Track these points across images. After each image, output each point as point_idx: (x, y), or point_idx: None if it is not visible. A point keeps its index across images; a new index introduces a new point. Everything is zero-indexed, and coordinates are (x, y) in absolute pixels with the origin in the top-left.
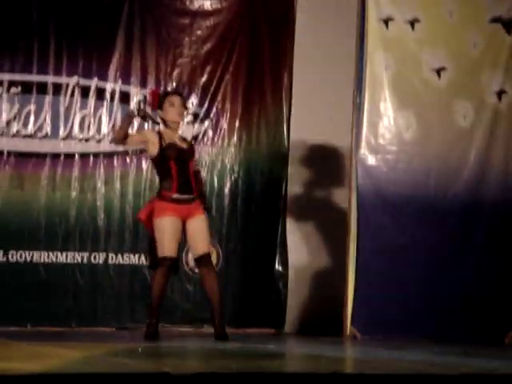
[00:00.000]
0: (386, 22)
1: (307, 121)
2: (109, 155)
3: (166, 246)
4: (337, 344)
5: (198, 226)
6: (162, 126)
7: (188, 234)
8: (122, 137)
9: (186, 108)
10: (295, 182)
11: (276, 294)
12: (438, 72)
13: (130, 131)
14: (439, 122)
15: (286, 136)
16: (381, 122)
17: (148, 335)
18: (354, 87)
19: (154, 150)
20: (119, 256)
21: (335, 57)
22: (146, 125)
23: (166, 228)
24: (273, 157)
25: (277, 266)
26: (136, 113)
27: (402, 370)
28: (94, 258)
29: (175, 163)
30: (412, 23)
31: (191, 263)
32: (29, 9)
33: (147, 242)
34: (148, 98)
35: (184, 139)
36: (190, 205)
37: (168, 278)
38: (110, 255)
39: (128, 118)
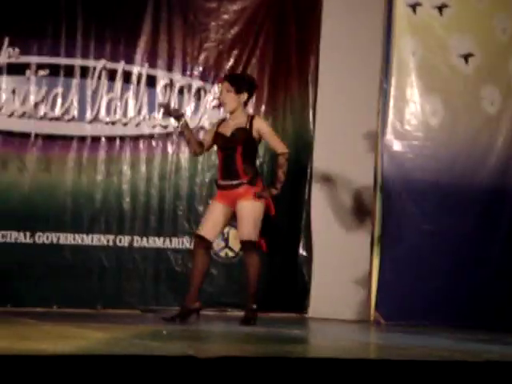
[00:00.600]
0: (414, 7)
1: (333, 106)
2: (135, 138)
3: (200, 225)
4: (361, 329)
5: (240, 212)
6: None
7: (236, 218)
8: (197, 147)
9: (238, 91)
10: (320, 167)
11: (300, 279)
12: (466, 58)
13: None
14: (466, 109)
15: (311, 121)
16: (407, 107)
17: (175, 316)
18: (381, 73)
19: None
20: (144, 239)
21: (362, 42)
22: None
23: (208, 209)
24: (298, 142)
25: (301, 250)
26: (176, 115)
27: (426, 357)
28: (120, 240)
29: (221, 151)
30: (440, 8)
31: (215, 247)
32: None
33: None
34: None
35: (241, 123)
36: (237, 190)
37: (204, 258)
38: (135, 238)
39: (184, 129)
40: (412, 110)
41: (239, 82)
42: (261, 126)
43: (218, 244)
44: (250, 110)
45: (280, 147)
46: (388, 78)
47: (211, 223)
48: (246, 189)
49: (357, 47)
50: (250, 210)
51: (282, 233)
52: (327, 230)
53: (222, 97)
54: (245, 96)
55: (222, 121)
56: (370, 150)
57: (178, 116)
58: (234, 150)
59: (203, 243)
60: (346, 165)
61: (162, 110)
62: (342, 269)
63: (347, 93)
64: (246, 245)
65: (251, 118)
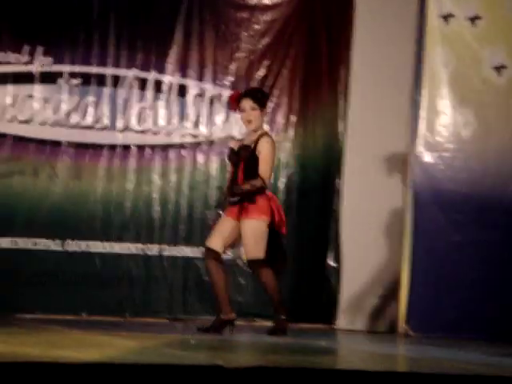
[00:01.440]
0: (446, 18)
1: (363, 117)
2: (165, 147)
3: (210, 236)
4: (389, 341)
5: (242, 232)
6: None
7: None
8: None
9: (261, 107)
10: (350, 178)
11: (328, 289)
12: (498, 70)
13: None
14: (498, 120)
15: (341, 132)
16: (438, 119)
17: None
18: (412, 84)
19: None
20: (173, 248)
21: (393, 53)
22: None
23: (217, 222)
24: (328, 152)
25: (329, 261)
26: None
27: (456, 370)
28: (149, 249)
29: (232, 166)
30: (473, 20)
31: (244, 257)
32: (90, 2)
33: None
34: (229, 99)
35: (251, 141)
36: (240, 206)
37: (216, 270)
38: (164, 247)
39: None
40: (443, 122)
41: (261, 98)
42: (261, 147)
43: None
44: (281, 119)
45: (263, 171)
46: (419, 90)
47: (218, 234)
48: (247, 206)
49: (388, 58)
50: (250, 228)
51: (311, 243)
52: (356, 242)
53: (247, 115)
54: (265, 111)
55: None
56: (400, 161)
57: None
58: (239, 166)
59: (211, 254)
60: (377, 176)
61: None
62: (371, 280)
63: (378, 104)
64: (250, 264)
65: (259, 137)
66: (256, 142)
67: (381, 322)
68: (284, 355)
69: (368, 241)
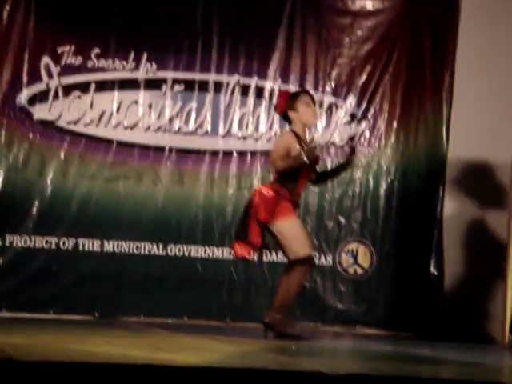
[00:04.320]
0: None
1: (467, 124)
2: (266, 153)
3: (302, 245)
4: (493, 352)
5: (284, 230)
6: (290, 129)
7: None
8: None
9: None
10: (453, 186)
11: (430, 298)
12: None
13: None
14: None
15: (444, 138)
16: None
17: (285, 334)
18: None
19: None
20: (273, 253)
21: (500, 57)
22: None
23: (297, 227)
24: (431, 160)
25: (432, 269)
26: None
27: None
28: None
29: (309, 169)
30: None
31: (344, 264)
32: (194, 9)
33: None
34: (278, 99)
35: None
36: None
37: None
38: (265, 252)
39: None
40: None
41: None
42: None
43: (346, 261)
44: (382, 125)
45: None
46: None
47: (308, 238)
48: (279, 205)
49: (495, 63)
50: (292, 226)
51: (412, 250)
52: (459, 249)
53: (313, 110)
54: None
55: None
56: (506, 171)
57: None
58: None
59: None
60: (481, 183)
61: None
62: (474, 288)
63: (483, 110)
64: (301, 261)
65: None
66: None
67: (484, 332)
68: (387, 363)
69: (471, 249)
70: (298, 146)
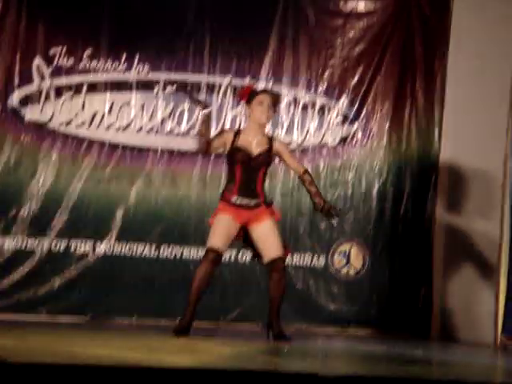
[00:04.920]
0: None
1: (459, 125)
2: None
3: (214, 239)
4: (486, 353)
5: (267, 230)
6: (242, 125)
7: (255, 239)
8: (205, 145)
9: (275, 111)
10: (445, 186)
11: (422, 299)
12: None
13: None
14: None
15: (436, 139)
16: None
17: (176, 329)
18: (511, 96)
19: (227, 149)
20: None
21: (492, 60)
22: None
23: (219, 223)
24: (423, 160)
25: (423, 270)
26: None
27: None
28: (242, 256)
29: (241, 167)
30: None
31: (337, 265)
32: (186, 10)
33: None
34: (241, 90)
35: (263, 143)
36: (252, 210)
37: (211, 275)
38: (256, 253)
39: (203, 122)
40: None
41: (276, 101)
42: (281, 149)
43: (339, 262)
44: (375, 126)
45: (300, 167)
46: None
47: (224, 238)
48: (263, 209)
49: (486, 66)
50: (272, 228)
51: (403, 251)
52: (451, 250)
53: (264, 109)
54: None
55: (238, 133)
56: (499, 170)
57: (203, 105)
58: (257, 170)
59: (213, 254)
60: (473, 184)
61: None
62: (467, 290)
63: (475, 112)
64: (279, 261)
65: (271, 140)
66: (269, 145)
67: (477, 333)
68: (380, 364)
69: (463, 250)
70: (229, 139)
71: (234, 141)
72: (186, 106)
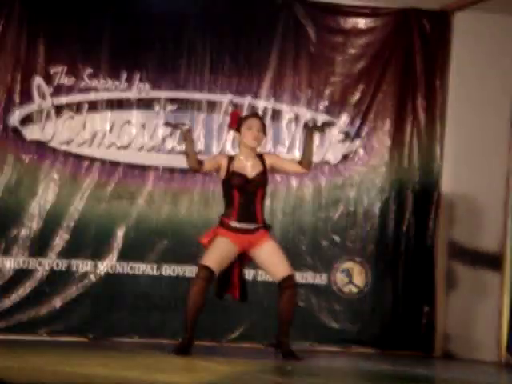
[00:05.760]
0: None
1: (461, 142)
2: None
3: (209, 258)
4: (489, 370)
5: (272, 251)
6: (237, 150)
7: (261, 261)
8: (196, 163)
9: (264, 134)
10: (448, 203)
11: (425, 317)
12: None
13: (203, 158)
14: None
15: (438, 157)
16: None
17: (176, 349)
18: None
19: (222, 175)
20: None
21: (492, 75)
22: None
23: (217, 244)
24: (425, 177)
25: (426, 288)
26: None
27: None
28: (244, 275)
29: (238, 192)
30: None
31: (339, 283)
32: (186, 29)
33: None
34: (229, 119)
35: (258, 165)
36: (252, 235)
37: (204, 292)
38: (259, 272)
39: (186, 139)
40: None
41: (264, 124)
42: (272, 160)
43: (341, 280)
44: (376, 144)
45: (295, 163)
46: None
47: (219, 259)
48: (262, 232)
49: (487, 81)
50: (277, 247)
51: (407, 269)
52: (454, 269)
53: (256, 134)
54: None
55: (231, 158)
56: (500, 188)
57: (180, 124)
58: (255, 193)
59: (206, 273)
60: (475, 201)
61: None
62: (470, 308)
63: (476, 129)
64: (290, 280)
65: (260, 156)
66: (262, 164)
67: (481, 350)
68: (383, 382)
69: (466, 268)
70: (224, 164)
71: (229, 166)
72: (188, 123)
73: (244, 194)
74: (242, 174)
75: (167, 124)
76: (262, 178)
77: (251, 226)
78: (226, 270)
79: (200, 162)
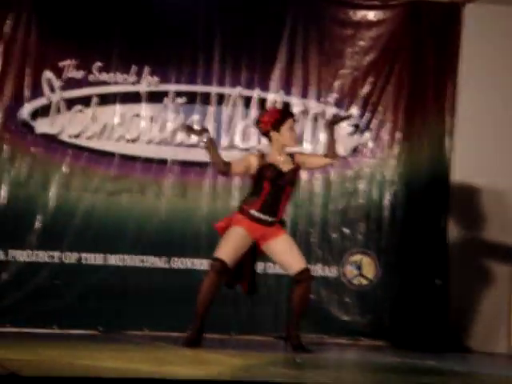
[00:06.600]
0: None
1: (471, 134)
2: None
3: (223, 250)
4: (500, 363)
5: (288, 244)
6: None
7: (276, 253)
8: (222, 167)
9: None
10: (458, 196)
11: (436, 308)
12: None
13: (233, 160)
14: None
15: (448, 149)
16: None
17: (186, 342)
18: None
19: (253, 171)
20: (277, 265)
21: (502, 67)
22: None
23: (232, 235)
24: (434, 170)
25: (436, 280)
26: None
27: None
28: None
29: (270, 184)
30: None
31: (349, 275)
32: (195, 22)
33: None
34: (265, 117)
35: (289, 162)
36: (268, 227)
37: (217, 285)
38: (269, 264)
39: (209, 145)
40: None
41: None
42: (302, 157)
43: (351, 272)
44: (386, 136)
45: (321, 157)
46: None
47: (233, 251)
48: (277, 226)
49: (497, 73)
50: (292, 241)
51: (416, 261)
52: (465, 260)
53: (294, 134)
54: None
55: (263, 155)
56: (508, 180)
57: (202, 131)
58: (283, 188)
59: (219, 265)
60: (485, 194)
61: (184, 130)
62: (480, 300)
63: (487, 121)
64: (306, 273)
65: (292, 156)
66: (294, 163)
67: (491, 343)
68: (393, 374)
69: (477, 261)
70: (254, 163)
71: (261, 160)
72: (196, 116)
73: (274, 187)
74: (276, 167)
75: (188, 129)
76: (294, 175)
77: (271, 219)
78: (239, 261)
79: (227, 164)
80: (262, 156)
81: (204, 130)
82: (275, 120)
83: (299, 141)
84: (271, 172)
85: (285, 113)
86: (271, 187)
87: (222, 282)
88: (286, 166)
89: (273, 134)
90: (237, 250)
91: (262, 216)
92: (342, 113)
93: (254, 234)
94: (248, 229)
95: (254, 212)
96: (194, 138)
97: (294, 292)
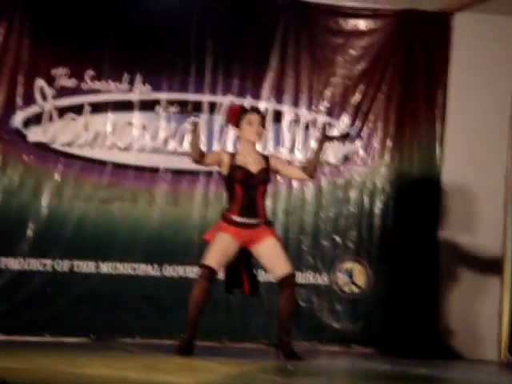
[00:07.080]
0: None
1: (461, 142)
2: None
3: (210, 256)
4: (491, 370)
5: (273, 247)
6: (238, 146)
7: (261, 257)
8: (198, 155)
9: (264, 128)
10: (447, 203)
11: (426, 316)
12: None
13: (204, 151)
14: None
15: (438, 157)
16: None
17: (177, 349)
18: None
19: (224, 170)
20: (268, 273)
21: (492, 76)
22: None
23: (218, 241)
24: (425, 178)
25: (427, 287)
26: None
27: None
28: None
29: (241, 186)
30: None
31: (340, 283)
32: (187, 30)
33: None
34: (228, 115)
35: (260, 161)
36: (254, 229)
37: (207, 292)
38: (262, 272)
39: (193, 129)
40: None
41: (263, 117)
42: (277, 164)
43: (342, 280)
44: (377, 144)
45: (298, 170)
46: None
47: (221, 257)
48: (264, 228)
49: (487, 81)
50: (277, 244)
51: (407, 269)
52: (455, 269)
53: (257, 128)
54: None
55: (233, 154)
56: (501, 188)
57: (191, 113)
58: (256, 188)
59: (208, 272)
60: (476, 201)
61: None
62: (471, 307)
63: (476, 129)
64: (290, 278)
65: (266, 158)
66: (266, 163)
67: (482, 350)
68: (384, 382)
69: (467, 267)
70: (226, 160)
71: (231, 161)
72: (188, 125)
73: (246, 189)
74: (244, 168)
75: (180, 110)
76: (265, 175)
77: (253, 221)
78: (234, 266)
79: (202, 155)
80: (233, 156)
81: (194, 114)
82: (234, 116)
83: (291, 147)
84: (241, 174)
85: (243, 108)
86: (243, 189)
87: (211, 288)
88: (255, 167)
89: (237, 131)
90: (223, 255)
91: (244, 220)
92: (336, 132)
93: (240, 239)
94: (233, 235)
95: (235, 217)
96: (185, 145)
97: (280, 298)
